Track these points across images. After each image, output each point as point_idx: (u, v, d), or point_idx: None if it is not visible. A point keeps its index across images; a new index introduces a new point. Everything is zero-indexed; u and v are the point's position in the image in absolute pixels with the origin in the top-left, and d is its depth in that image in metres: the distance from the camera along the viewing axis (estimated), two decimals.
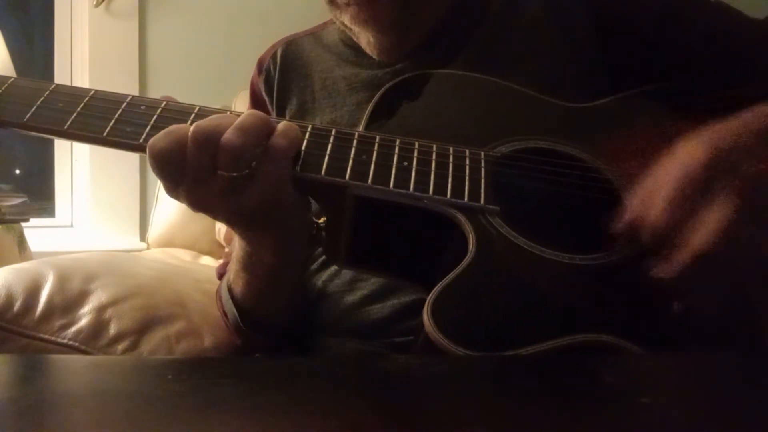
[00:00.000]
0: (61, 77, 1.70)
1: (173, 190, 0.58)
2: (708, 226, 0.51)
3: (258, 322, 0.76)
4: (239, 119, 0.56)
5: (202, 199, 0.58)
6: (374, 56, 0.81)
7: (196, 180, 0.56)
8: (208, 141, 0.55)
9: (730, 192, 0.51)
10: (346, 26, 0.79)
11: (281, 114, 0.85)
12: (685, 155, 0.53)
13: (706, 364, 0.46)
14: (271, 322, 0.77)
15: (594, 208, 0.58)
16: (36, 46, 1.96)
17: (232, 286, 0.76)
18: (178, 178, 0.57)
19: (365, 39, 0.80)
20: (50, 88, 0.62)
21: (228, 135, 0.55)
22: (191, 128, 0.56)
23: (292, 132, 0.58)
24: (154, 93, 1.67)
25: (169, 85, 1.68)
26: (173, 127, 0.57)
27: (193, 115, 0.61)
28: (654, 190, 0.54)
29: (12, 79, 0.63)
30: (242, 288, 0.74)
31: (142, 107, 0.61)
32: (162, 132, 0.56)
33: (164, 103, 0.61)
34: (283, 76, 0.87)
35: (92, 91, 0.62)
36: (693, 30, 0.76)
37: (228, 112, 0.60)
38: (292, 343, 0.83)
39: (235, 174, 0.55)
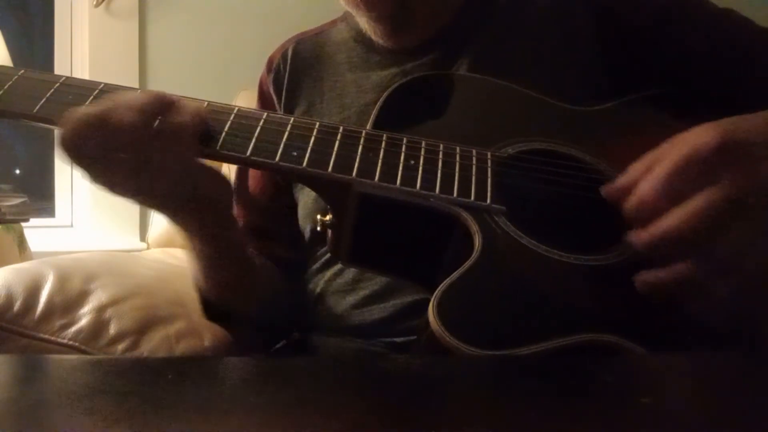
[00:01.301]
0: None
1: (93, 175, 0.58)
2: (689, 207, 0.51)
3: (218, 311, 0.77)
4: (131, 98, 0.56)
5: (112, 182, 0.58)
6: (375, 39, 0.81)
7: (100, 163, 0.56)
8: (101, 123, 0.55)
9: (727, 183, 0.51)
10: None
11: (289, 113, 0.85)
12: (697, 136, 0.53)
13: (706, 364, 0.46)
14: (229, 310, 0.77)
15: (599, 209, 0.58)
16: (36, 46, 1.96)
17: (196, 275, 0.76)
18: (87, 162, 0.57)
19: (362, 23, 0.81)
20: (60, 81, 0.62)
21: (123, 114, 0.55)
22: (88, 109, 0.55)
23: (191, 108, 0.57)
24: None
25: (169, 85, 1.68)
26: (75, 111, 0.56)
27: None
28: (655, 161, 0.54)
29: (22, 71, 0.62)
30: (198, 277, 0.74)
31: None
32: (65, 120, 0.56)
33: (207, 103, 0.61)
34: (292, 75, 0.87)
35: (102, 84, 0.62)
36: (698, 35, 0.75)
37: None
38: (273, 337, 0.85)
39: (132, 153, 0.55)
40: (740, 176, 0.51)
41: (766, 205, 0.51)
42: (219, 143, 0.58)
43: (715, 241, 0.51)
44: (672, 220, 0.51)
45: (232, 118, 0.60)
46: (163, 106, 0.57)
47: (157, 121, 0.56)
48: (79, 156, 0.56)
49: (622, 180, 0.56)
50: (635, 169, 0.56)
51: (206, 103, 0.61)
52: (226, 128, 0.59)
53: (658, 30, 0.76)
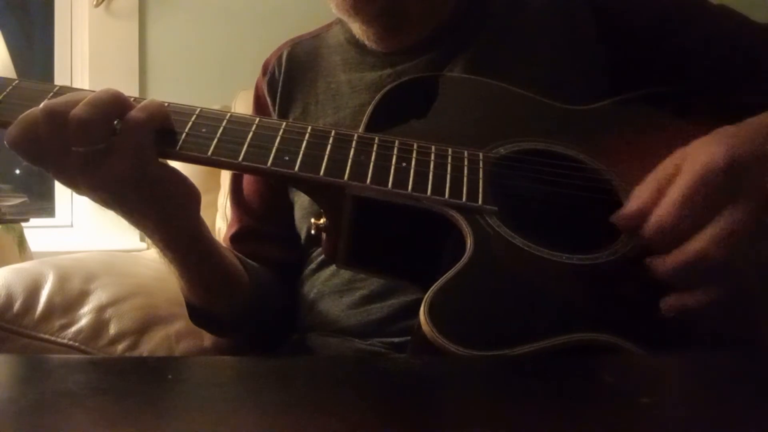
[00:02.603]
0: (61, 77, 1.70)
1: (52, 173, 0.58)
2: (715, 230, 0.50)
3: (200, 314, 0.77)
4: (90, 95, 0.56)
5: (69, 177, 0.58)
6: (368, 44, 0.82)
7: (56, 158, 0.57)
8: (57, 117, 0.55)
9: (745, 200, 0.51)
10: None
11: (283, 117, 0.85)
12: (707, 155, 0.52)
13: (706, 364, 0.46)
14: (212, 315, 0.77)
15: (592, 208, 0.58)
16: (36, 46, 1.96)
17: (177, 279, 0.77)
18: (43, 161, 0.57)
19: (355, 28, 0.81)
20: (54, 90, 0.62)
21: (75, 110, 0.55)
22: (41, 106, 0.56)
23: (152, 107, 0.58)
24: (154, 93, 1.67)
25: (169, 85, 1.68)
26: (26, 113, 0.57)
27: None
28: (668, 183, 0.53)
29: (16, 81, 0.63)
30: (178, 281, 0.75)
31: None
32: (15, 122, 0.57)
33: (199, 109, 0.61)
34: (287, 79, 0.87)
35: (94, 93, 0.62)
36: (694, 33, 0.76)
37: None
38: (268, 339, 0.85)
39: (87, 149, 0.55)
40: (755, 190, 0.51)
41: None
42: (211, 149, 0.58)
43: (744, 260, 0.50)
44: (698, 244, 0.50)
45: (224, 124, 0.60)
46: (121, 103, 0.57)
47: (116, 120, 0.56)
48: (39, 155, 0.57)
49: (633, 205, 0.55)
50: (644, 193, 0.54)
51: (198, 109, 0.61)
52: (218, 134, 0.59)
53: (655, 29, 0.76)
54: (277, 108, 0.86)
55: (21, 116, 0.56)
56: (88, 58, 1.66)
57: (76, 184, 0.58)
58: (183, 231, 0.66)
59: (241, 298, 0.77)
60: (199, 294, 0.75)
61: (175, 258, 0.69)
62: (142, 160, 0.57)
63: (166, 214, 0.63)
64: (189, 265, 0.70)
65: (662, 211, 0.52)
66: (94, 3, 1.64)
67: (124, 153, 0.56)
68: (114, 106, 0.56)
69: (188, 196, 0.64)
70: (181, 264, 0.70)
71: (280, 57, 0.89)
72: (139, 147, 0.57)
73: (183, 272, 0.71)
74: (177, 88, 1.68)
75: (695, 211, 0.51)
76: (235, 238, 0.88)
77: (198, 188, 0.65)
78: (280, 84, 0.87)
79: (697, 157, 0.53)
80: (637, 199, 0.55)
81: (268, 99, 0.88)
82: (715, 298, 0.51)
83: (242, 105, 1.33)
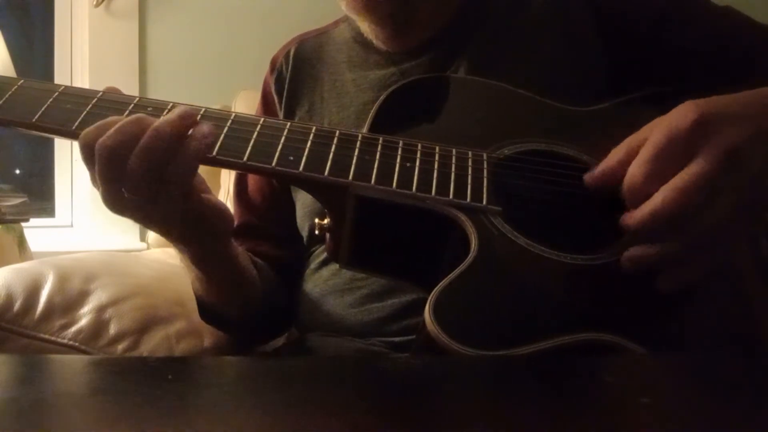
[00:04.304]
0: (61, 77, 1.70)
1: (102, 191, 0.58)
2: (674, 182, 0.51)
3: (214, 314, 0.79)
4: (143, 141, 0.54)
5: (118, 208, 0.58)
6: (376, 44, 0.82)
7: (106, 189, 0.57)
8: (113, 162, 0.55)
9: (708, 153, 0.51)
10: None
11: (290, 114, 0.86)
12: (675, 114, 0.54)
13: (706, 364, 0.46)
14: (225, 315, 0.78)
15: (595, 209, 0.58)
16: (36, 46, 1.96)
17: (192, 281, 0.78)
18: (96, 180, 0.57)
19: (364, 27, 0.81)
20: (59, 90, 0.62)
21: (131, 161, 0.54)
22: (97, 145, 0.55)
23: (197, 152, 0.56)
24: (154, 93, 1.67)
25: (169, 85, 1.68)
26: (94, 126, 0.56)
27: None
28: (638, 144, 0.55)
29: (21, 81, 0.63)
30: (193, 283, 0.76)
31: (149, 109, 0.61)
32: (92, 126, 0.56)
33: (171, 104, 0.61)
34: (294, 75, 0.87)
35: (100, 93, 0.63)
36: (696, 33, 0.75)
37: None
38: (268, 334, 0.87)
39: (137, 197, 0.56)
40: (720, 145, 0.52)
41: (747, 169, 0.52)
42: (216, 150, 0.58)
43: (702, 213, 0.51)
44: (658, 197, 0.52)
45: (229, 124, 0.60)
46: (174, 145, 0.55)
47: (166, 166, 0.55)
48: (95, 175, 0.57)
49: (604, 165, 0.57)
50: (615, 155, 0.56)
51: (203, 109, 0.61)
52: (223, 135, 0.59)
53: (656, 29, 0.76)
54: (283, 105, 0.87)
55: (85, 132, 0.56)
56: (88, 58, 1.65)
57: (123, 213, 0.59)
58: (213, 251, 0.69)
59: (254, 302, 0.78)
60: (214, 297, 0.76)
61: (197, 268, 0.71)
62: (186, 204, 0.59)
63: (202, 240, 0.66)
64: (211, 276, 0.72)
65: (632, 170, 0.54)
66: (94, 3, 1.64)
67: (170, 199, 0.57)
68: (167, 153, 0.55)
69: (224, 226, 0.66)
70: (202, 272, 0.71)
71: (288, 54, 0.89)
72: (186, 193, 0.58)
73: (202, 277, 0.73)
74: (177, 88, 1.68)
75: (664, 167, 0.52)
76: (234, 234, 0.89)
77: (231, 214, 0.68)
78: (287, 81, 0.87)
79: (666, 118, 0.54)
80: (609, 159, 0.57)
81: (275, 96, 0.88)
82: (672, 250, 0.52)
83: (242, 105, 1.32)
